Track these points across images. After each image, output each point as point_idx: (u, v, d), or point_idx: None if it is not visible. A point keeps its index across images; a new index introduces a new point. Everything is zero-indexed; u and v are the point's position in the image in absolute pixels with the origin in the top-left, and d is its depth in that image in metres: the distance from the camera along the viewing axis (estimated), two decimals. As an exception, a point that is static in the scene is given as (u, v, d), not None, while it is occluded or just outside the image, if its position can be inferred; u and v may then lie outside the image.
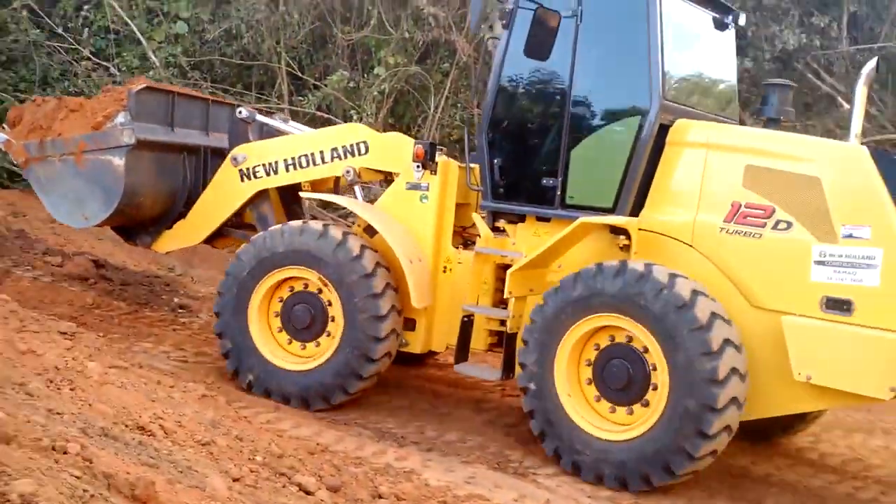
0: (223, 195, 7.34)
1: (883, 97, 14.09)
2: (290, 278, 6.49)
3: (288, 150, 7.16)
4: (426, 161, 6.50)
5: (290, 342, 6.58)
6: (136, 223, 7.60)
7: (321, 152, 7.02)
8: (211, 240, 7.68)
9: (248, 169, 7.22)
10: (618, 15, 6.02)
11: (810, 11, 14.45)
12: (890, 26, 14.53)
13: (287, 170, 7.13)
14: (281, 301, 6.57)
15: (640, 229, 5.73)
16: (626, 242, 5.79)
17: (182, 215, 7.53)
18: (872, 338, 5.07)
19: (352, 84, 12.84)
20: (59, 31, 12.84)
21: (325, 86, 12.86)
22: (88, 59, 12.69)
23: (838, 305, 5.18)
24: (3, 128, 7.50)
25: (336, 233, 6.35)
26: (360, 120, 12.60)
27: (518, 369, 5.83)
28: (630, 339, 5.51)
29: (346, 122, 12.67)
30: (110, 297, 8.27)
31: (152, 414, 4.40)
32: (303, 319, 6.45)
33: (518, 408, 6.24)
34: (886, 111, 13.88)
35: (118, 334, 7.26)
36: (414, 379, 7.58)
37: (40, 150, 7.18)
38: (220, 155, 7.62)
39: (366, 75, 13.06)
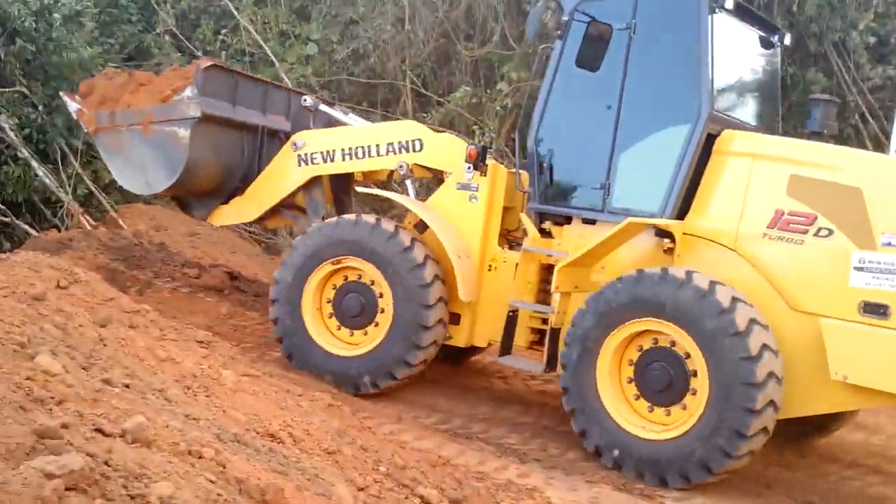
0: (280, 177, 7.71)
1: None
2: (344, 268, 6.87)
3: (346, 140, 7.50)
4: (478, 162, 6.78)
5: (339, 328, 6.95)
6: (194, 195, 7.99)
7: (377, 146, 7.34)
8: (263, 219, 8.11)
9: (306, 154, 7.59)
10: (670, 29, 6.22)
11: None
12: None
13: (343, 159, 7.48)
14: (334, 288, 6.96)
15: (684, 233, 5.94)
16: (671, 246, 5.97)
17: (238, 191, 7.89)
18: None
19: (475, 100, 12.91)
20: (199, 54, 13.50)
21: (449, 102, 12.99)
22: (226, 80, 13.27)
23: (875, 310, 5.37)
24: (76, 98, 7.91)
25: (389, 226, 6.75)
26: (484, 135, 12.69)
27: (560, 369, 6.00)
28: (672, 343, 5.71)
29: (469, 137, 12.79)
30: (243, 308, 8.58)
31: (282, 422, 4.51)
32: (354, 307, 6.83)
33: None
34: None
35: (250, 343, 7.52)
36: (537, 395, 7.51)
37: (110, 120, 7.61)
38: (275, 136, 8.04)
39: (489, 91, 13.12)
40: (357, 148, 7.42)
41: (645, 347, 5.80)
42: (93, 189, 10.95)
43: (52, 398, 3.06)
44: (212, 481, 3.05)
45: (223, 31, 13.76)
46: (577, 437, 5.98)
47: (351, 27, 13.83)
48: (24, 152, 9.83)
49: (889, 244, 5.39)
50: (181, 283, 8.95)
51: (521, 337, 6.62)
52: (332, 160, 7.53)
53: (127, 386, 3.89)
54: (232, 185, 7.94)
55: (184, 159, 7.37)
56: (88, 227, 10.00)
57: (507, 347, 6.54)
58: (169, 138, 7.38)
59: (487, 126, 12.66)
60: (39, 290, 4.71)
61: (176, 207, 8.97)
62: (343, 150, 7.47)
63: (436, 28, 13.50)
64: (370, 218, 6.84)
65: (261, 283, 9.60)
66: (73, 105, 7.89)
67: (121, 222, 10.62)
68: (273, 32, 13.77)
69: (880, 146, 13.37)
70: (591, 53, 6.13)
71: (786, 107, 8.14)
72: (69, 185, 10.45)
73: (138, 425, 3.11)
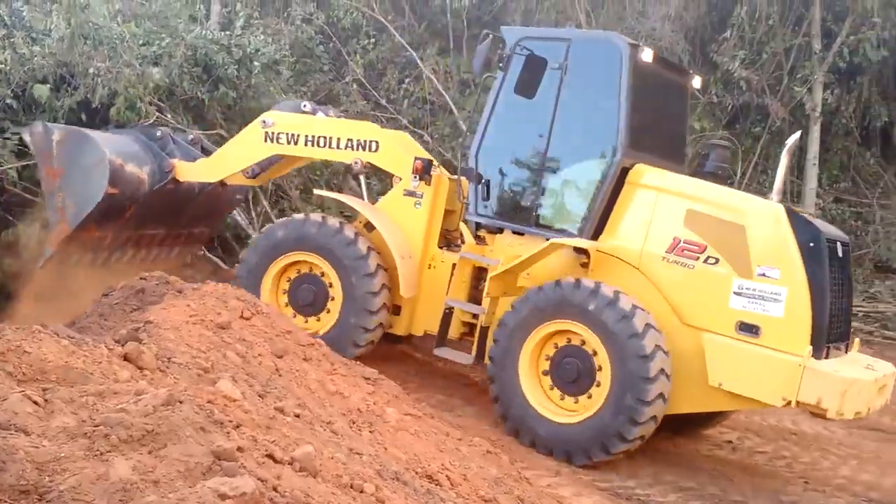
0: (246, 148, 8.32)
1: None
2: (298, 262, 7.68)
3: (312, 128, 8.15)
4: (423, 175, 7.65)
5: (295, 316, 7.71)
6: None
7: (338, 139, 8.00)
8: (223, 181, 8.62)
9: (273, 133, 8.19)
10: (596, 72, 7.07)
11: None
12: None
13: (306, 144, 8.12)
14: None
15: (597, 251, 6.83)
16: (586, 261, 6.88)
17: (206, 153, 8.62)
18: (773, 357, 6.15)
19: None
20: (383, 102, 14.11)
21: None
22: (406, 127, 13.78)
23: (749, 329, 6.28)
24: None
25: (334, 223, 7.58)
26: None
27: (488, 361, 6.93)
28: (582, 341, 6.58)
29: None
30: (410, 349, 8.77)
31: (440, 464, 4.54)
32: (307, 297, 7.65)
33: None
34: None
35: (414, 384, 7.64)
36: (705, 461, 7.15)
37: (54, 211, 7.88)
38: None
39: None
40: (319, 137, 8.07)
41: (560, 345, 6.68)
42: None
43: (231, 422, 3.23)
44: (371, 517, 3.10)
45: (407, 80, 14.31)
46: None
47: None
48: (221, 191, 10.57)
49: (763, 274, 6.29)
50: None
51: (454, 329, 7.53)
52: (295, 143, 8.14)
53: (298, 416, 4.05)
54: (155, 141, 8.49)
55: (82, 133, 7.98)
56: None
57: (442, 340, 7.47)
58: (63, 149, 7.81)
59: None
60: (225, 320, 5.01)
61: None
62: (307, 136, 8.10)
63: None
64: (317, 216, 7.62)
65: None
66: (47, 252, 8.03)
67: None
68: (453, 81, 14.17)
69: None
70: (528, 82, 7.00)
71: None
72: (258, 223, 11.14)
73: (307, 454, 3.22)
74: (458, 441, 5.48)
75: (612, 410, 6.27)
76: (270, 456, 3.10)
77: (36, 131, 8.01)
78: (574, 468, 6.37)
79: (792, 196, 12.59)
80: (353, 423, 4.63)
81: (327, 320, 7.58)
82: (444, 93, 13.78)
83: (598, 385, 6.46)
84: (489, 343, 6.99)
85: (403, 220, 7.71)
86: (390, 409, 5.15)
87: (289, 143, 8.22)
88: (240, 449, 2.92)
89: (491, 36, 7.31)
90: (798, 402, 6.01)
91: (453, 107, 13.63)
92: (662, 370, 6.22)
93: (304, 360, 5.31)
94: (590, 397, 6.51)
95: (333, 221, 7.62)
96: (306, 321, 7.65)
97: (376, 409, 5.05)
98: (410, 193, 7.71)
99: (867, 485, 7.08)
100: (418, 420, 5.38)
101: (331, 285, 7.58)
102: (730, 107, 12.59)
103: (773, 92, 12.33)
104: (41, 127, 8.03)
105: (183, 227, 9.07)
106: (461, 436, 5.72)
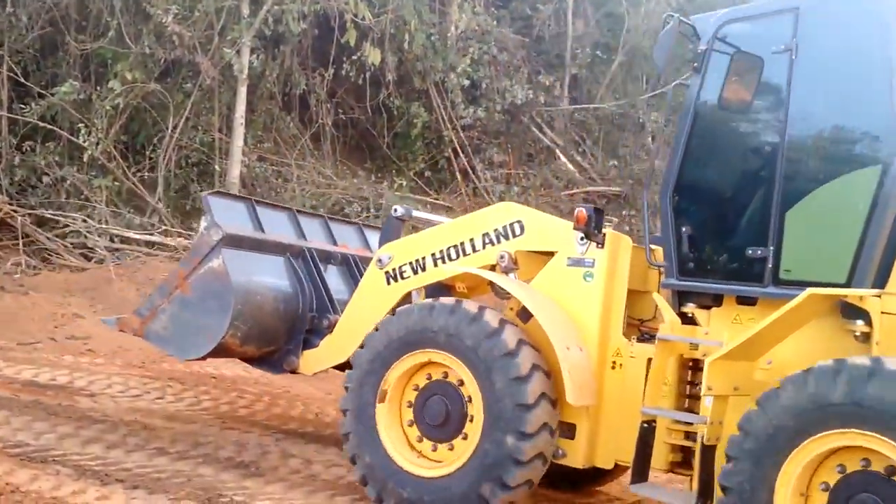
0: (370, 301, 6.45)
1: (594, 152, 15.85)
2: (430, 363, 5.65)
3: (435, 243, 6.30)
4: (590, 230, 5.51)
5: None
6: (269, 342, 6.70)
7: (471, 240, 6.14)
8: None
9: (394, 270, 6.39)
10: (846, 46, 4.89)
11: (538, 70, 15.98)
12: (605, 89, 16.42)
13: (436, 264, 6.26)
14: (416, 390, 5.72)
15: (883, 312, 4.44)
16: (865, 330, 4.55)
17: (330, 329, 6.69)
18: None
19: (82, 96, 12.29)
20: None
21: (53, 95, 12.18)
22: None
23: None
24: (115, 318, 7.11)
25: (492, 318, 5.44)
26: (90, 134, 12.10)
27: (721, 494, 4.43)
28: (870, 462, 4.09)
29: (73, 135, 12.09)
30: None
31: None
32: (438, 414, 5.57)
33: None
34: (596, 165, 15.64)
35: None
36: (126, 412, 7.32)
37: (149, 307, 6.67)
38: (334, 262, 7.29)
39: (99, 88, 12.56)
40: (449, 248, 6.19)
41: (851, 468, 4.11)
42: None
43: None
44: None
45: None
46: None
47: (-66, 0, 12.33)
48: None
49: None
50: None
51: (659, 457, 5.16)
52: (423, 269, 6.27)
53: None
54: (305, 317, 6.73)
55: (230, 286, 6.27)
56: None
57: (640, 471, 5.06)
58: (207, 277, 6.38)
59: (95, 126, 12.13)
60: None
61: None
62: (434, 254, 6.24)
63: (42, 14, 12.60)
64: (473, 306, 5.52)
65: None
66: (111, 321, 7.09)
67: None
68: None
69: (468, 179, 15.20)
70: (740, 88, 5.07)
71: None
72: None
73: None
74: None
75: None
76: None
77: (209, 234, 6.38)
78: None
79: (220, 153, 13.27)
80: None
81: (462, 450, 5.36)
82: None
83: None
84: (718, 470, 4.48)
85: (569, 300, 5.54)
86: None
87: (415, 272, 6.21)
88: None
89: (677, 20, 5.19)
90: None
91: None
92: None
93: None
94: None
95: (470, 306, 5.45)
96: (435, 448, 5.51)
97: None
98: (577, 262, 5.58)
99: (280, 419, 8.04)
100: None
101: (469, 399, 5.41)
102: (162, 60, 12.71)
103: (205, 51, 12.77)
104: (219, 236, 6.31)
105: None
106: None
